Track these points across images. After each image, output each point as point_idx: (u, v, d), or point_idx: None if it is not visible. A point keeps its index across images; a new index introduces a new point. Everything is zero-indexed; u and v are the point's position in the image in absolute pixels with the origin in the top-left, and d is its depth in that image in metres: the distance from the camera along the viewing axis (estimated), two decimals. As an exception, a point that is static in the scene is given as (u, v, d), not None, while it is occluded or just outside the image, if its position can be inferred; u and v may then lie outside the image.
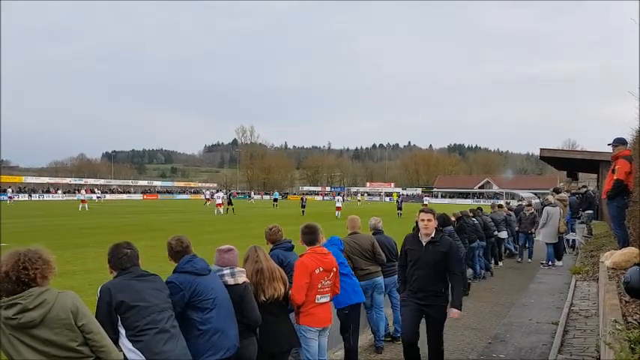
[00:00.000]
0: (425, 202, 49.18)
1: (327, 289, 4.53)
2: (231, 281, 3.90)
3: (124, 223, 27.71)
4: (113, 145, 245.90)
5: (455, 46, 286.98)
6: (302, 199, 41.80)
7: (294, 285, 4.35)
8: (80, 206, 40.87)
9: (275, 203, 49.29)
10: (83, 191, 50.25)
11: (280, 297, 4.18)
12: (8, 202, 51.86)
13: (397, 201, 41.94)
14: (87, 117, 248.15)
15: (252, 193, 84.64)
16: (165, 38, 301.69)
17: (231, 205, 38.99)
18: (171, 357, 3.15)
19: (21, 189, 73.54)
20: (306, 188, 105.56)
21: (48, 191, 77.14)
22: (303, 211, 37.99)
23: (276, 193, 59.98)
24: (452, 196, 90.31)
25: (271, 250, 5.04)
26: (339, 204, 36.97)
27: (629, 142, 7.59)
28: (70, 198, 53.99)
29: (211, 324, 3.55)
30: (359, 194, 75.56)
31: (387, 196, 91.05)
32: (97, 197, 72.49)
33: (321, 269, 4.48)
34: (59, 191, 76.41)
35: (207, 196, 56.87)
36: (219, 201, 37.69)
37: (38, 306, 2.59)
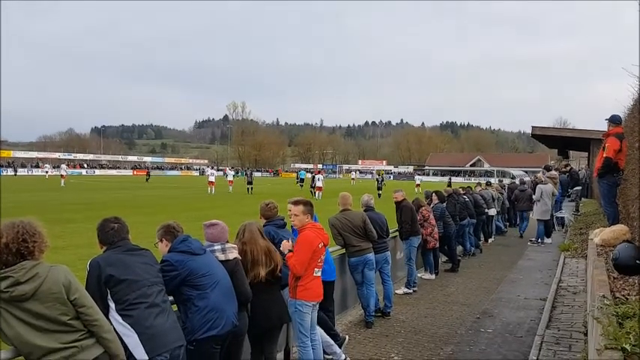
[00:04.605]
0: (417, 182, 42.85)
1: (321, 263, 4.54)
2: (221, 257, 3.91)
3: (114, 198, 27.60)
4: (102, 120, 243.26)
5: (446, 24, 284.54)
6: (313, 178, 35.20)
7: (296, 258, 4.29)
8: (61, 181, 40.39)
9: (301, 183, 41.56)
10: (64, 166, 49.58)
11: (262, 280, 4.17)
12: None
13: (377, 180, 35.69)
14: (75, 91, 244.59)
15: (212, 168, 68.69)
16: (154, 14, 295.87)
17: (251, 184, 34.88)
18: (161, 331, 3.15)
19: (9, 164, 72.80)
20: (297, 165, 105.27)
21: (37, 166, 76.41)
22: (312, 191, 32.50)
23: (302, 172, 49.11)
24: (443, 174, 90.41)
25: (263, 226, 5.02)
26: (319, 183, 31.42)
27: (623, 120, 7.58)
28: (58, 173, 53.94)
29: (208, 301, 3.57)
30: (352, 172, 74.03)
31: (370, 174, 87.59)
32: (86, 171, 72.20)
33: (322, 244, 4.48)
34: (47, 166, 75.73)
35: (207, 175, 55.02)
36: (230, 178, 36.24)
37: (30, 279, 2.57)
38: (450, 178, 51.05)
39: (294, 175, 67.17)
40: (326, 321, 5.32)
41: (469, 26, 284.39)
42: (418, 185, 40.24)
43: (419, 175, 70.65)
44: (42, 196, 27.39)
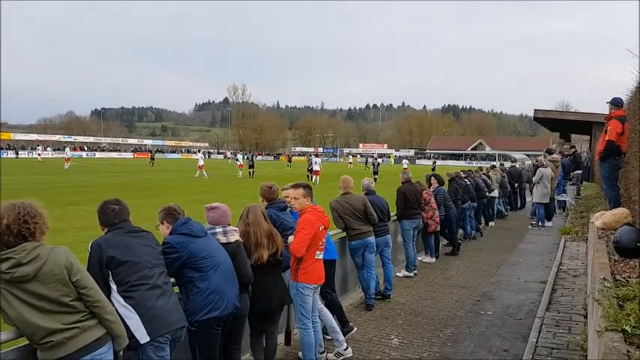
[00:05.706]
0: (404, 167, 39.74)
1: (322, 246, 4.54)
2: (223, 240, 3.91)
3: (115, 181, 27.60)
4: (102, 102, 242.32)
5: (448, 5, 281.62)
6: (309, 161, 33.04)
7: (297, 239, 4.29)
8: (65, 165, 40.18)
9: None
10: (67, 149, 49.42)
11: (264, 263, 4.18)
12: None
13: (373, 164, 34.46)
14: (74, 73, 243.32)
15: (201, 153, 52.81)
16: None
17: (252, 168, 34.02)
18: (163, 313, 3.17)
19: (10, 146, 72.74)
20: (298, 149, 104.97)
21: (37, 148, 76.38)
22: (309, 176, 30.75)
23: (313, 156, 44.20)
24: (444, 157, 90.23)
25: (265, 209, 5.02)
26: (317, 167, 30.00)
27: (625, 103, 7.52)
28: (59, 156, 53.94)
29: (210, 283, 3.58)
30: (350, 156, 72.86)
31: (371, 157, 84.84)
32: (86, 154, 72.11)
33: (323, 227, 4.47)
34: (48, 149, 75.73)
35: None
36: (241, 162, 35.98)
37: (32, 261, 2.58)
38: (434, 162, 50.48)
39: (285, 158, 65.00)
40: (339, 308, 5.36)
41: (473, 5, 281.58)
42: (405, 169, 38.89)
43: (408, 158, 68.86)
44: (43, 179, 27.40)
